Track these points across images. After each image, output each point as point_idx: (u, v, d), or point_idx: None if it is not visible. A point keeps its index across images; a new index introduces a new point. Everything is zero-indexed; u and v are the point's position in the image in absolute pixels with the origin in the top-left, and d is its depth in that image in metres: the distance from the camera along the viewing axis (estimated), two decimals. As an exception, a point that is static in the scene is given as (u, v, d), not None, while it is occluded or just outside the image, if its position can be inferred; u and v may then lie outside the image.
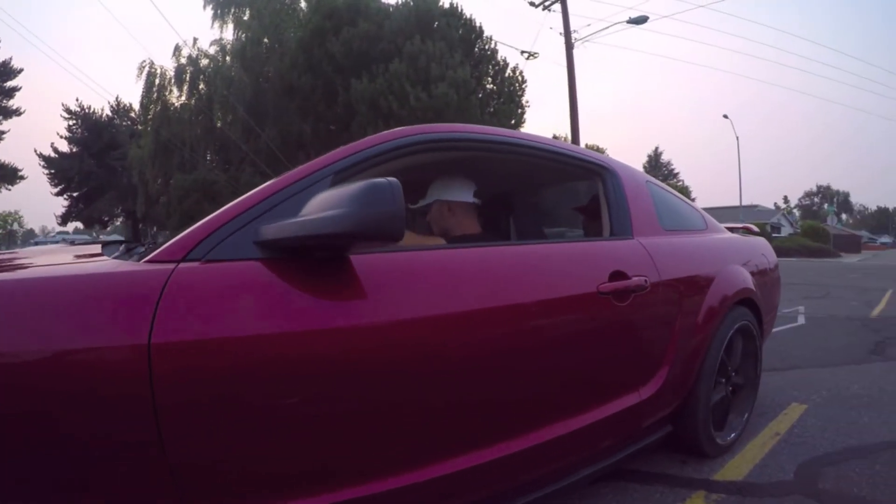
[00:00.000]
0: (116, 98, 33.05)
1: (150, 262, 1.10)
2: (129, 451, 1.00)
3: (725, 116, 29.98)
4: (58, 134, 31.79)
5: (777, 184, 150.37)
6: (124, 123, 32.15)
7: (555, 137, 15.93)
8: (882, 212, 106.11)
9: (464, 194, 2.09)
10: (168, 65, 15.97)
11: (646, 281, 1.82)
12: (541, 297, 1.52)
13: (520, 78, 12.44)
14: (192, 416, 1.03)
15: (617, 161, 2.26)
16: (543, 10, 18.01)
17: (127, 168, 27.70)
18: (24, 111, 32.19)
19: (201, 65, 15.11)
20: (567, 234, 2.83)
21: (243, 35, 15.07)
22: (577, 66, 14.33)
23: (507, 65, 12.38)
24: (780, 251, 28.51)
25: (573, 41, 17.18)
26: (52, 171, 32.65)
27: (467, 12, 11.35)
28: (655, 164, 65.66)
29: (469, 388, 1.37)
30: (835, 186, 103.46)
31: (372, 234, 1.04)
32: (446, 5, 11.59)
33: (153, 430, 0.99)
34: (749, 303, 2.44)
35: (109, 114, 31.91)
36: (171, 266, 1.08)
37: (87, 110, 32.43)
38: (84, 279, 1.05)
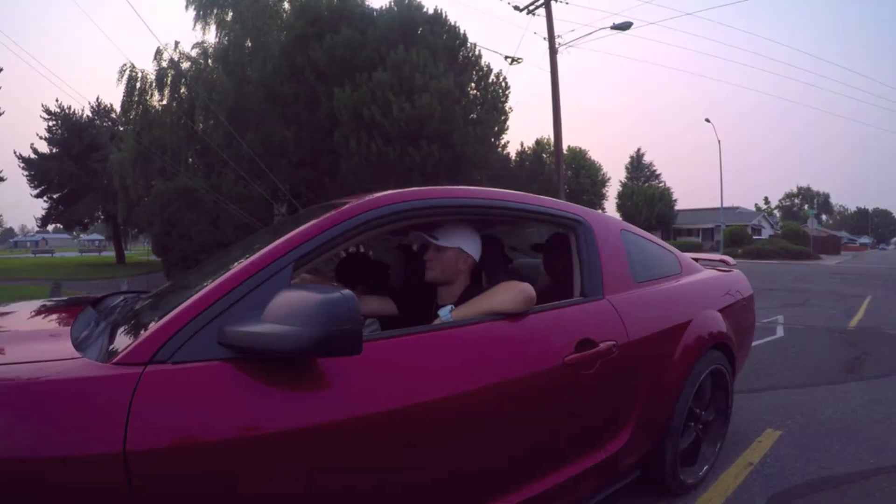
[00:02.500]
0: (97, 99, 32.45)
1: (118, 363, 1.10)
2: None
3: (707, 120, 30.26)
4: (37, 135, 30.88)
5: (757, 185, 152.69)
6: (105, 125, 31.59)
7: (537, 141, 15.86)
8: (861, 213, 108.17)
9: (477, 253, 2.05)
10: (149, 68, 15.97)
11: (613, 346, 1.82)
12: (508, 377, 1.52)
13: (503, 84, 12.48)
14: None
15: (591, 212, 2.22)
16: (528, 14, 18.19)
17: (107, 171, 27.35)
18: (2, 112, 31.37)
19: (183, 68, 14.95)
20: (520, 262, 2.81)
21: (225, 38, 14.95)
22: (561, 70, 14.38)
23: (490, 71, 12.44)
24: (761, 254, 28.93)
25: (557, 46, 17.36)
26: (32, 173, 31.12)
27: (451, 18, 11.49)
28: (637, 166, 65.89)
29: (436, 470, 1.39)
30: (815, 188, 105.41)
31: (328, 351, 1.06)
32: (430, 11, 11.64)
33: None
34: (722, 346, 2.43)
35: (90, 115, 31.11)
36: (138, 369, 1.08)
37: (66, 111, 31.00)
38: (55, 385, 1.05)
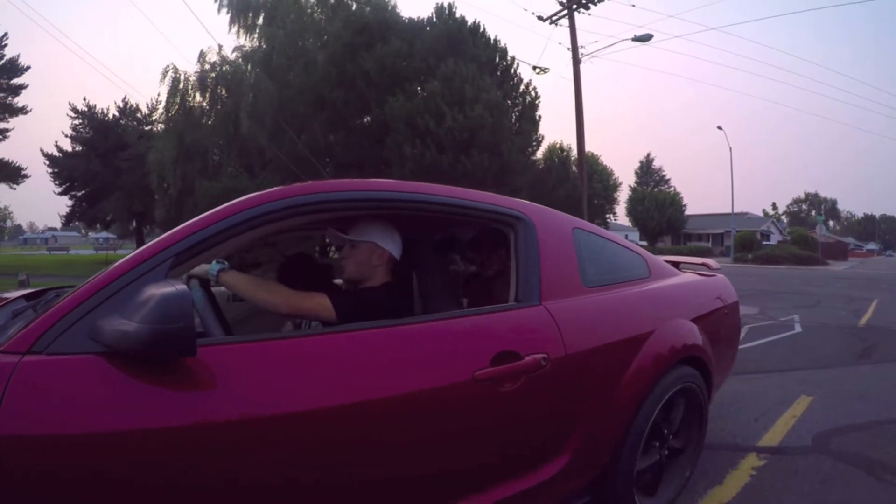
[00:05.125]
0: (123, 99, 33.10)
1: (2, 352, 1.15)
2: None
3: (719, 128, 31.03)
4: (63, 133, 31.15)
5: (765, 190, 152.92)
6: (131, 124, 32.06)
7: (549, 147, 16.35)
8: (868, 219, 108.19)
9: (396, 249, 1.96)
10: (189, 69, 16.24)
11: (544, 359, 1.64)
12: (399, 392, 1.40)
13: (532, 93, 13.24)
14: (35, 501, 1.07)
15: (537, 208, 2.05)
16: (550, 24, 18.93)
17: (134, 169, 27.72)
18: (30, 109, 31.92)
19: (224, 70, 15.42)
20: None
21: (264, 43, 15.36)
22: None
23: (520, 80, 13.16)
24: (771, 259, 29.54)
25: (580, 57, 18.09)
26: (57, 171, 31.36)
27: (490, 33, 12.26)
28: (647, 171, 66.36)
29: (306, 487, 1.32)
30: (823, 193, 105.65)
31: (160, 350, 1.08)
32: (469, 23, 12.39)
33: None
34: (694, 360, 2.24)
35: (116, 114, 31.58)
36: (16, 358, 1.12)
37: (93, 110, 31.29)
38: None
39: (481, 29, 11.93)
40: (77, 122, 32.18)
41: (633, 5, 19.22)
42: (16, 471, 1.04)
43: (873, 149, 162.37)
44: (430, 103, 9.48)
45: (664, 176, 66.16)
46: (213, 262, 1.67)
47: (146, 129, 31.12)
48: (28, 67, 31.06)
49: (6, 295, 2.15)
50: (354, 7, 16.19)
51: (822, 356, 5.32)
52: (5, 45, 28.90)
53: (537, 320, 1.74)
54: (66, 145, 32.65)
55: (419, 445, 1.44)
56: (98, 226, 38.71)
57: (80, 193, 33.31)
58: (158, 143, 17.55)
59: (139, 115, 31.97)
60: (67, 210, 35.07)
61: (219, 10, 16.99)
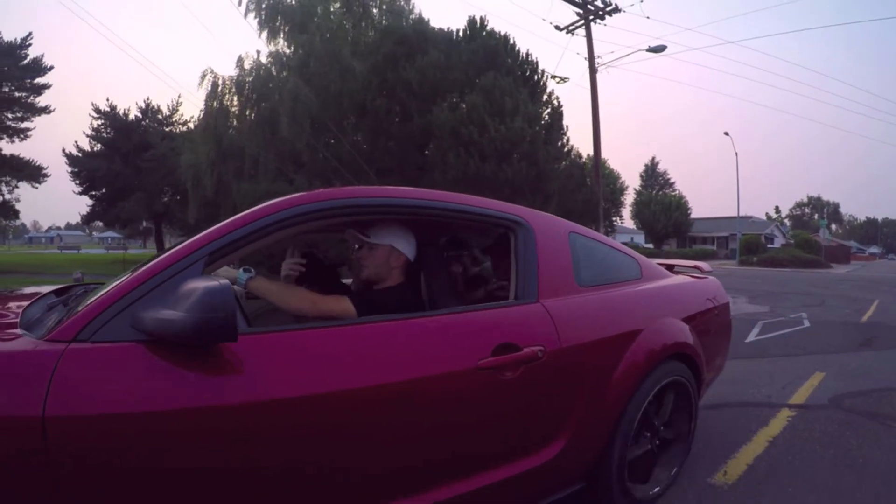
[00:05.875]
0: (146, 100, 33.39)
1: (48, 340, 1.24)
2: None
3: (726, 133, 31.78)
4: (84, 133, 31.29)
5: (768, 194, 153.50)
6: (152, 126, 32.01)
7: (577, 154, 16.95)
8: (871, 222, 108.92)
9: (411, 252, 2.08)
10: (226, 74, 16.45)
11: (540, 351, 1.78)
12: (410, 376, 1.54)
13: (556, 103, 14.00)
14: (81, 480, 1.16)
15: (535, 214, 2.20)
16: (567, 33, 19.65)
17: (156, 170, 28.07)
18: (53, 109, 31.79)
19: (261, 75, 15.65)
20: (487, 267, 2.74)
21: (298, 50, 15.67)
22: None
23: (549, 92, 13.85)
24: (775, 262, 30.22)
25: (597, 66, 18.83)
26: (77, 170, 31.48)
27: (522, 48, 13.07)
28: (652, 174, 66.76)
29: (329, 464, 1.44)
30: (825, 197, 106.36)
31: (204, 337, 1.18)
32: (498, 34, 13.14)
33: (52, 489, 1.13)
34: (684, 356, 2.37)
35: (139, 115, 31.45)
36: (62, 346, 1.21)
37: (115, 111, 31.49)
38: None
39: (511, 42, 12.73)
40: (99, 122, 31.79)
41: (648, 17, 20.01)
42: (63, 449, 1.13)
43: (875, 153, 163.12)
44: (474, 114, 10.20)
45: (669, 179, 66.56)
46: (241, 269, 1.81)
47: (166, 129, 31.73)
48: (51, 67, 30.51)
49: (34, 289, 2.30)
50: (383, 20, 16.85)
51: (830, 345, 6.15)
52: (29, 44, 28.64)
53: (535, 316, 1.89)
54: (85, 144, 32.55)
55: (430, 426, 1.59)
56: (117, 226, 38.82)
57: (98, 193, 32.52)
58: (193, 145, 17.65)
59: (160, 116, 32.61)
60: (88, 209, 35.20)
61: (245, 15, 17.17)
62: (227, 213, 16.33)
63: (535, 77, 12.38)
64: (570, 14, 19.10)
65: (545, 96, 12.97)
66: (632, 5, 22.17)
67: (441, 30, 13.86)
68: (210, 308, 1.17)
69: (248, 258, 1.81)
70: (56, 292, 2.15)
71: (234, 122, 16.18)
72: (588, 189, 14.34)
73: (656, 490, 2.30)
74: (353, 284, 2.52)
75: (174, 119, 32.89)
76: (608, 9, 18.52)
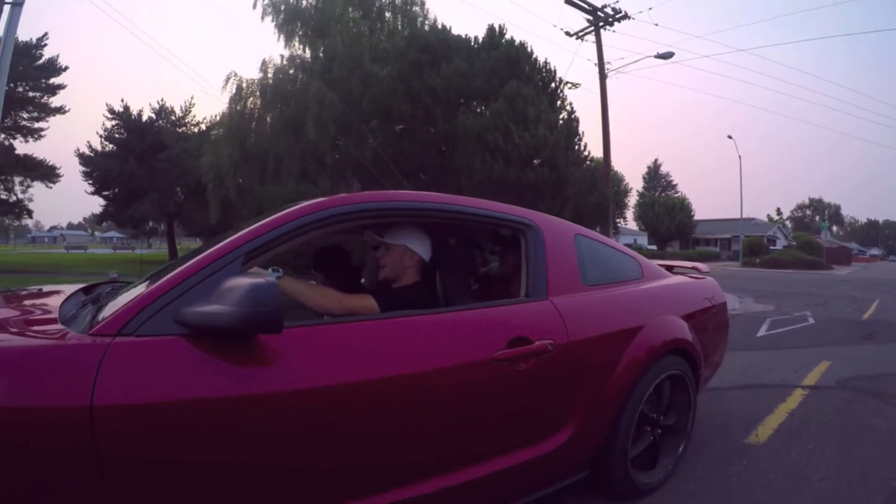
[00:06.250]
0: (159, 101, 33.41)
1: (92, 334, 1.31)
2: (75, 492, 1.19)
3: (730, 137, 32.32)
4: (97, 133, 31.13)
5: (769, 195, 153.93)
6: (165, 126, 31.30)
7: (592, 160, 17.51)
8: (872, 224, 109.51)
9: (426, 252, 2.17)
10: (248, 76, 16.59)
11: (551, 345, 1.89)
12: (433, 367, 1.64)
13: (569, 108, 14.52)
14: (125, 466, 1.24)
15: (544, 216, 2.30)
16: (577, 39, 20.17)
17: (170, 171, 28.19)
18: (68, 109, 31.62)
19: (282, 79, 15.86)
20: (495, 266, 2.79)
21: (319, 54, 15.92)
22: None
23: (565, 99, 14.34)
24: (778, 263, 30.68)
25: (606, 72, 19.37)
26: (90, 171, 31.23)
27: (539, 56, 13.62)
28: (654, 176, 67.00)
29: (348, 448, 1.51)
30: (826, 199, 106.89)
31: (252, 329, 1.28)
32: (517, 43, 13.65)
33: (96, 474, 1.20)
34: (683, 352, 2.47)
35: (153, 116, 31.42)
36: (108, 340, 1.29)
37: (129, 111, 31.42)
38: (38, 350, 1.29)
39: (529, 50, 13.27)
40: (113, 122, 31.34)
41: (656, 24, 20.58)
42: (109, 437, 1.20)
43: (877, 155, 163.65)
44: (498, 121, 10.76)
45: (671, 181, 66.81)
46: (270, 270, 1.89)
47: (179, 130, 31.99)
48: (66, 67, 30.01)
49: (55, 288, 2.38)
50: (398, 25, 17.27)
51: (834, 338, 6.75)
52: (45, 45, 28.38)
53: (545, 312, 2.00)
54: (97, 144, 31.85)
55: (451, 413, 1.69)
56: (129, 226, 38.63)
57: (109, 193, 32.13)
58: (215, 147, 17.81)
59: (172, 117, 32.90)
60: (101, 210, 35.06)
61: (262, 18, 17.28)
62: (250, 214, 16.74)
63: (553, 84, 12.95)
64: (580, 20, 19.60)
65: (559, 102, 13.53)
66: (640, 12, 22.73)
67: (459, 36, 14.29)
68: (258, 302, 1.25)
69: (275, 259, 1.90)
70: (84, 290, 2.24)
71: (255, 125, 16.25)
72: (599, 192, 14.88)
73: (657, 479, 2.41)
74: (367, 283, 2.72)
75: (186, 120, 33.12)
76: (618, 16, 19.08)
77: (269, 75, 16.34)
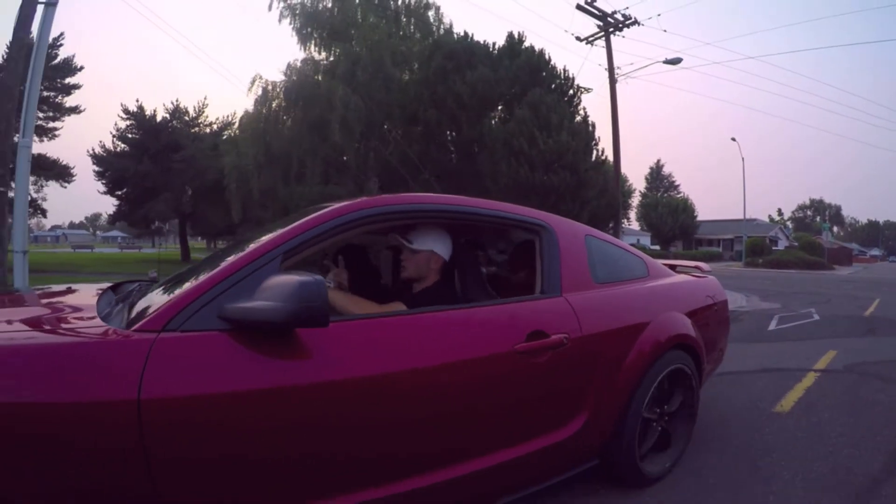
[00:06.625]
0: (174, 102, 33.38)
1: (137, 329, 1.37)
2: (124, 481, 1.26)
3: (733, 139, 32.95)
4: (111, 133, 31.32)
5: (771, 196, 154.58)
6: (177, 127, 31.51)
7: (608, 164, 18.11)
8: (872, 225, 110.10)
9: (448, 253, 2.24)
10: (272, 78, 16.86)
11: (565, 338, 1.98)
12: (459, 358, 1.74)
13: (582, 113, 15.12)
14: (172, 454, 1.29)
15: (557, 218, 2.39)
16: (587, 44, 20.75)
17: (184, 171, 28.35)
18: (83, 109, 31.46)
19: (307, 82, 16.08)
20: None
21: (342, 58, 16.17)
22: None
23: (579, 102, 14.94)
24: (780, 264, 31.24)
25: (616, 77, 19.97)
26: (103, 170, 31.33)
27: (556, 63, 14.25)
28: (657, 176, 67.49)
29: (384, 435, 1.60)
30: (827, 200, 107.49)
31: (300, 323, 1.35)
32: (536, 51, 14.22)
33: (143, 465, 1.25)
34: (686, 347, 2.57)
35: (167, 116, 31.65)
36: (153, 335, 1.34)
37: (143, 111, 31.57)
38: (88, 345, 1.34)
39: (547, 58, 13.91)
40: (128, 122, 31.52)
41: (665, 30, 21.20)
42: (156, 428, 1.25)
43: (877, 156, 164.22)
44: (523, 127, 11.40)
45: (674, 182, 67.27)
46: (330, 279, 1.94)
47: (191, 130, 32.26)
48: (81, 67, 28.86)
49: (84, 287, 2.44)
50: (416, 32, 17.73)
51: (839, 332, 7.41)
52: (60, 45, 27.88)
53: (560, 307, 2.10)
54: (109, 143, 31.75)
55: (477, 401, 1.78)
56: (141, 226, 38.48)
57: (123, 192, 32.39)
58: (239, 147, 17.90)
59: (185, 117, 32.78)
60: (114, 209, 34.22)
61: (280, 21, 17.59)
62: (274, 214, 17.06)
63: (570, 91, 13.59)
64: (590, 25, 20.08)
65: (576, 107, 14.17)
66: (649, 18, 23.33)
67: (479, 43, 14.77)
68: (306, 298, 1.31)
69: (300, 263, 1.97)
70: (112, 288, 2.32)
71: (279, 126, 16.42)
72: (610, 194, 15.52)
73: (662, 468, 2.51)
74: (387, 281, 2.86)
75: (199, 120, 33.48)
76: (627, 22, 19.66)
77: (294, 78, 16.50)
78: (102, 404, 1.23)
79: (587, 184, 12.01)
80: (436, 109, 12.90)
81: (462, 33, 15.44)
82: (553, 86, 12.96)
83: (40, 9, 6.85)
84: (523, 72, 12.41)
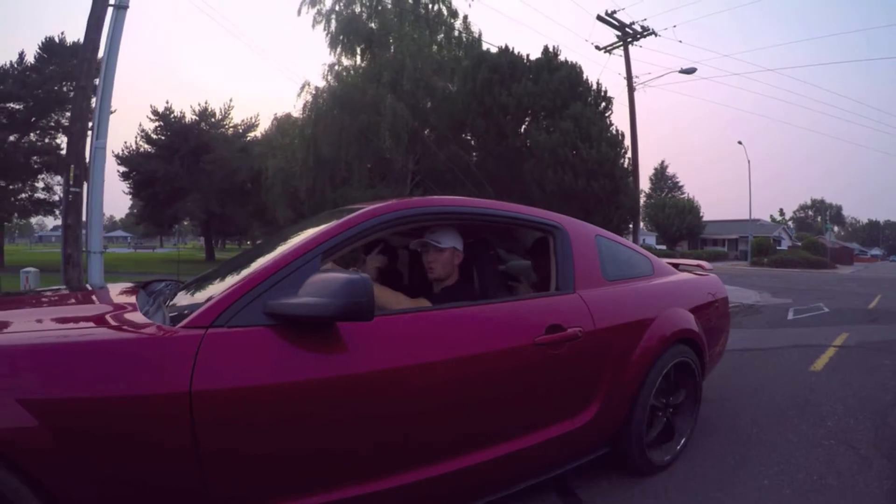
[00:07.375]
0: (203, 104, 33.19)
1: (186, 326, 1.41)
2: (174, 474, 1.33)
3: (739, 143, 34.12)
4: (138, 135, 31.50)
5: (773, 196, 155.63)
6: (204, 129, 31.91)
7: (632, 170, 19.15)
8: (873, 225, 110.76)
9: (462, 252, 2.37)
10: (318, 84, 17.43)
11: (580, 331, 2.11)
12: (487, 350, 1.85)
13: (607, 122, 16.15)
14: (221, 444, 1.35)
15: (569, 220, 2.50)
16: (606, 53, 21.89)
17: (214, 172, 28.14)
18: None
19: (353, 89, 16.53)
20: (513, 264, 3.05)
21: (382, 66, 16.66)
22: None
23: (611, 114, 15.77)
24: (784, 263, 32.34)
25: (634, 85, 21.14)
26: (128, 171, 31.49)
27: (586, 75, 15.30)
28: (661, 177, 68.16)
29: (420, 421, 1.69)
30: (828, 200, 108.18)
31: (347, 318, 1.42)
32: (570, 64, 15.00)
33: (194, 454, 1.30)
34: (690, 341, 2.68)
35: (196, 118, 32.08)
36: (202, 331, 1.40)
37: (171, 113, 31.80)
38: (140, 342, 1.39)
39: (579, 71, 14.99)
40: (157, 124, 31.95)
41: (680, 41, 22.42)
42: (206, 419, 1.33)
43: (877, 156, 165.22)
44: (567, 138, 12.56)
45: (678, 182, 67.93)
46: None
47: (218, 132, 32.09)
48: None
49: (113, 285, 2.51)
50: (444, 41, 18.42)
51: (848, 321, 8.80)
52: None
53: (574, 303, 2.22)
54: (145, 147, 32.09)
55: (501, 390, 1.91)
56: (165, 226, 38.44)
57: (147, 193, 32.39)
58: (282, 151, 18.66)
59: (213, 119, 32.90)
60: (140, 210, 34.95)
61: (313, 27, 18.11)
62: (312, 215, 17.63)
63: (603, 104, 14.84)
64: (609, 35, 21.05)
65: (605, 119, 15.41)
66: (665, 29, 24.47)
67: (519, 56, 15.62)
68: (353, 294, 1.40)
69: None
70: (142, 287, 2.38)
71: (326, 131, 16.82)
72: (631, 197, 16.77)
73: (669, 457, 2.61)
74: (408, 281, 2.98)
75: (225, 122, 33.76)
76: (645, 33, 20.79)
77: (334, 83, 17.10)
78: (157, 397, 1.30)
79: (622, 190, 13.32)
80: (483, 119, 14.10)
81: (490, 42, 16.20)
82: (589, 99, 14.20)
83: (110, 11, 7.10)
84: (563, 86, 13.60)
